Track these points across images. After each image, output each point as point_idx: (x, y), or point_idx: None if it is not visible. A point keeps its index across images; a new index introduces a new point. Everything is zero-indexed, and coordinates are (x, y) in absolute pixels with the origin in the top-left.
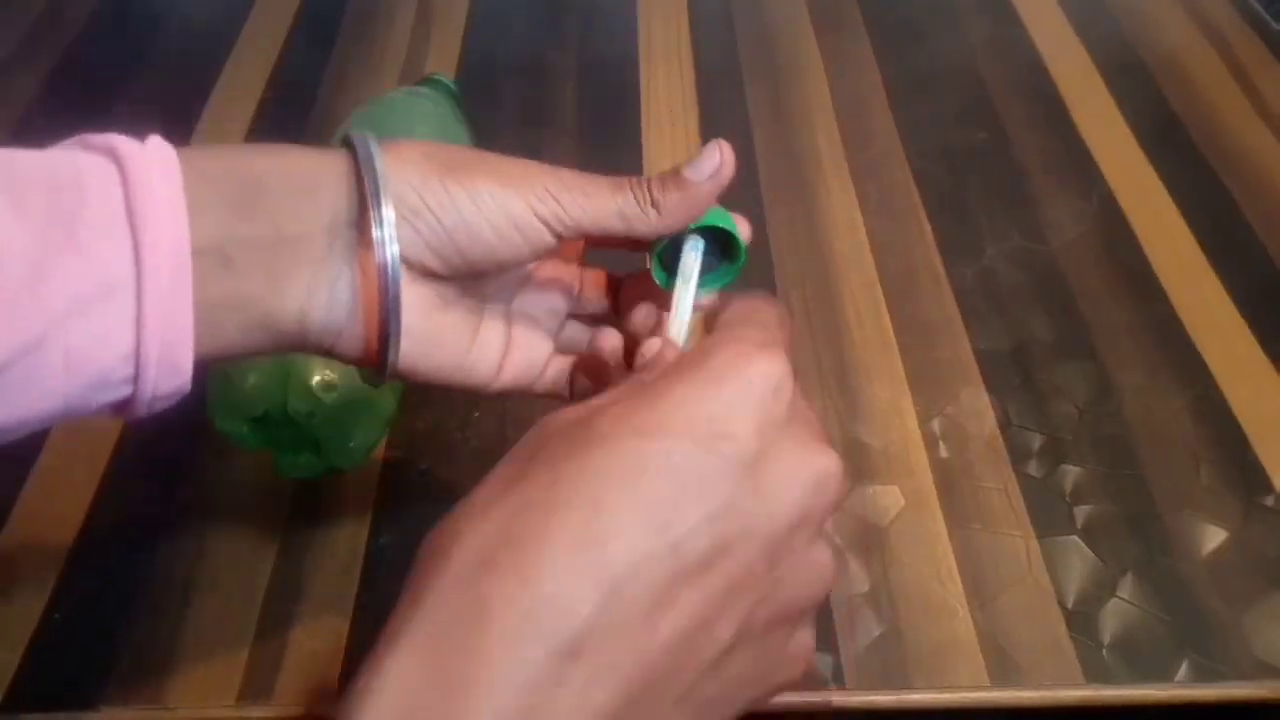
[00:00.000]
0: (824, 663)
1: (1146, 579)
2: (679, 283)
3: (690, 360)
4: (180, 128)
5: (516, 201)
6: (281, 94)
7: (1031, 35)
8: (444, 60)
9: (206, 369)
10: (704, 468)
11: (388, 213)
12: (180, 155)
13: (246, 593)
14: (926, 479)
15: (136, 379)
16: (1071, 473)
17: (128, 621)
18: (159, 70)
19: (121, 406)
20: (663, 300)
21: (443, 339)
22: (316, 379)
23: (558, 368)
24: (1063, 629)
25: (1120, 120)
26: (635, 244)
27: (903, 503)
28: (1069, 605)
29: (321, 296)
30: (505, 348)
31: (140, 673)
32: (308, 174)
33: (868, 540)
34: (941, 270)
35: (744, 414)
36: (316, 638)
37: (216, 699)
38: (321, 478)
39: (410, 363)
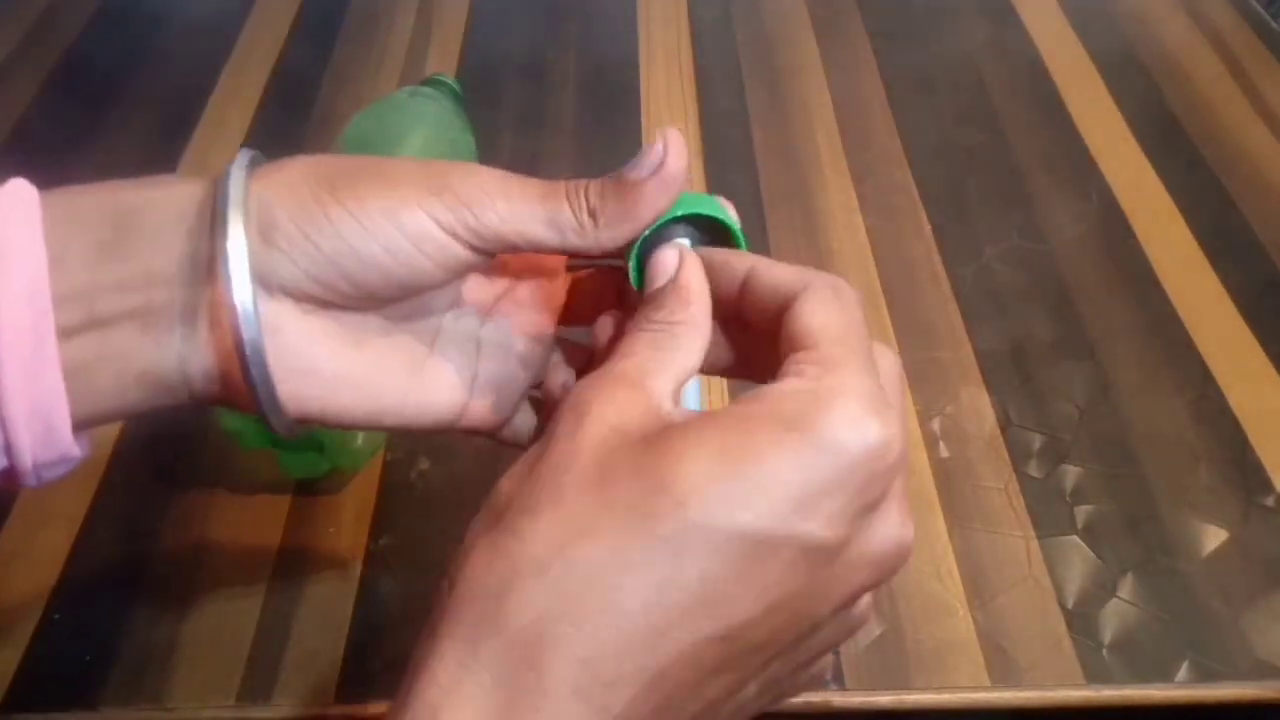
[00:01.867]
0: (823, 662)
1: (1147, 579)
2: None
3: (791, 406)
4: (180, 128)
5: (414, 213)
6: (281, 94)
7: (1031, 35)
8: (444, 61)
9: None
10: (779, 556)
11: (234, 246)
12: (44, 197)
13: (246, 593)
14: (927, 478)
15: (9, 448)
16: (1071, 472)
17: (127, 621)
18: (159, 70)
19: (6, 476)
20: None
21: (366, 380)
22: None
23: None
24: (1063, 629)
25: (1120, 120)
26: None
27: None
28: (1069, 605)
29: (199, 343)
30: (470, 384)
31: (140, 673)
32: (182, 204)
33: None
34: (941, 270)
35: (841, 499)
36: (316, 638)
37: (216, 699)
38: (325, 477)
39: (323, 408)
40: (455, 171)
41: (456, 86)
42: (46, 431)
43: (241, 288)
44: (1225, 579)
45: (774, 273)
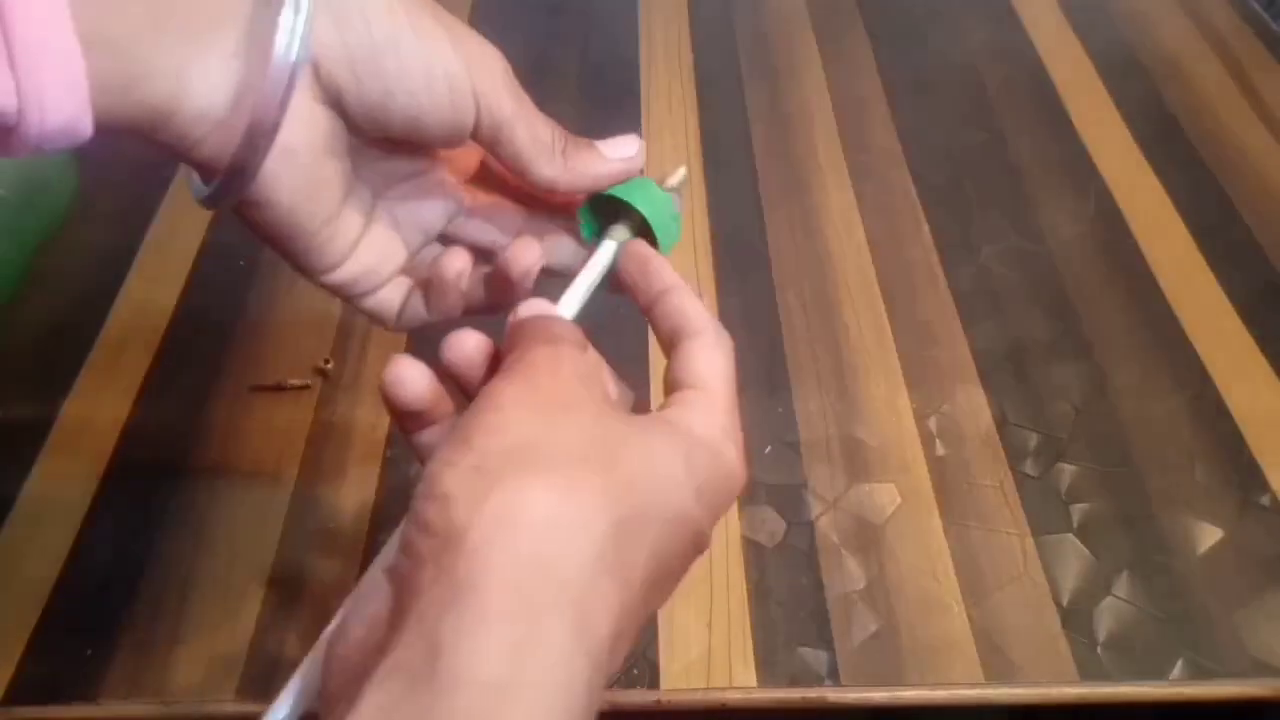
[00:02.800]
0: (819, 659)
1: (1142, 577)
2: (586, 268)
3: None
4: None
5: (460, 66)
6: None
7: (1030, 36)
8: None
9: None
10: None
11: (302, 18)
12: None
13: (246, 588)
14: (923, 477)
15: (20, 94)
16: (1067, 471)
17: (128, 616)
18: None
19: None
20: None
21: (314, 185)
22: None
23: (398, 287)
24: (1058, 626)
25: (1118, 121)
26: (519, 195)
27: (899, 500)
28: (1064, 603)
29: (206, 75)
30: (357, 241)
31: (140, 667)
32: None
33: (864, 537)
34: (939, 270)
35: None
36: (316, 633)
37: (216, 693)
38: None
39: (267, 194)
40: (500, 65)
41: None
42: (63, 86)
43: (298, 38)
44: (1220, 578)
45: (685, 302)
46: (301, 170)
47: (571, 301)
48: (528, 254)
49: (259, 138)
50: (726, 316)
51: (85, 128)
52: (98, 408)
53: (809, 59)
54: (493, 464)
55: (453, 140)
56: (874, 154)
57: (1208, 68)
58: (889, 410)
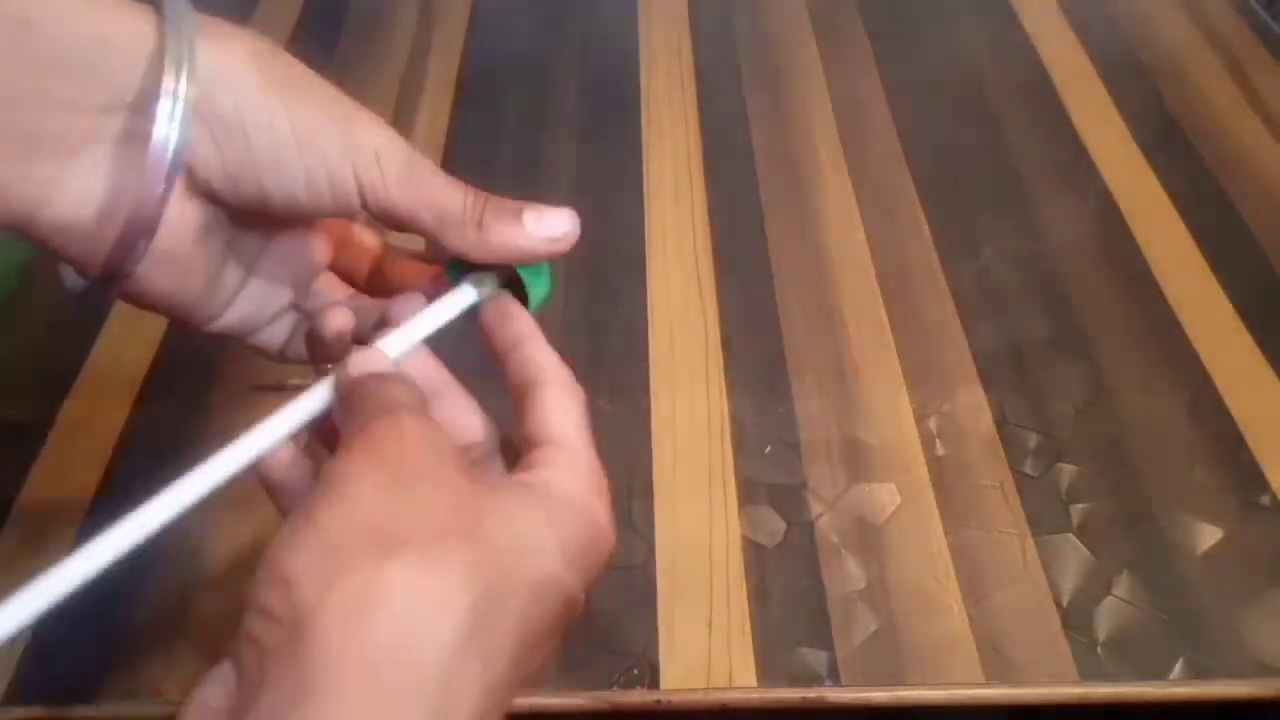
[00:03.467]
0: (819, 659)
1: (1142, 577)
2: (435, 306)
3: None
4: None
5: (342, 159)
6: None
7: (1030, 36)
8: (445, 60)
9: None
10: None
11: (180, 108)
12: None
13: (245, 587)
14: (923, 477)
15: None
16: (1068, 471)
17: (128, 616)
18: None
19: None
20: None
21: (190, 271)
22: None
23: (283, 324)
24: (1058, 627)
25: (1118, 120)
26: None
27: (899, 500)
28: (1064, 603)
29: (72, 186)
30: (239, 288)
31: (140, 666)
32: (100, 31)
33: (864, 538)
34: (939, 270)
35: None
36: None
37: None
38: None
39: (144, 286)
40: (386, 135)
41: None
42: None
43: (174, 154)
44: (1221, 578)
45: (538, 351)
46: (177, 263)
47: (400, 344)
48: (336, 319)
49: (133, 241)
50: (726, 317)
51: None
52: (97, 408)
53: (809, 59)
54: (343, 543)
55: (339, 218)
56: (874, 154)
57: (1208, 67)
58: (889, 410)
